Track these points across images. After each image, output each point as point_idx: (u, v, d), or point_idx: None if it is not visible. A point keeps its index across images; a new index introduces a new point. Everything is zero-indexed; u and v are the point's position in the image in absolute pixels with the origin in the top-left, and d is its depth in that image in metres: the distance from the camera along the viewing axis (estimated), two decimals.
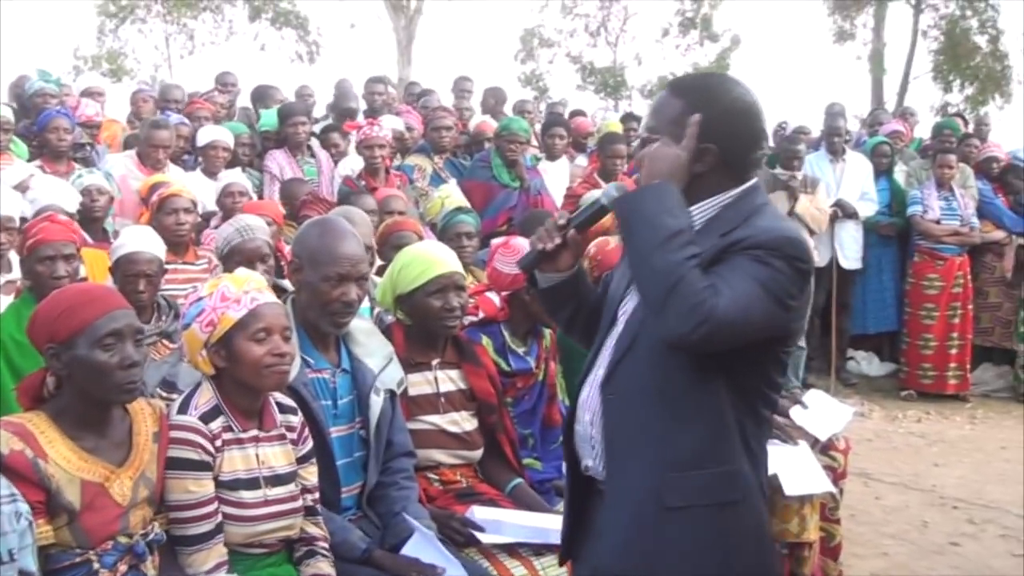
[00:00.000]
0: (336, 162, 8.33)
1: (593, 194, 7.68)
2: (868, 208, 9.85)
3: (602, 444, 2.69)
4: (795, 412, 5.33)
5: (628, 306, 2.72)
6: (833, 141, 9.99)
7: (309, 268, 3.54)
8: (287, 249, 5.78)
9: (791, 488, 4.68)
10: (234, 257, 4.81)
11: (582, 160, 9.59)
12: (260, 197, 7.58)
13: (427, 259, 4.01)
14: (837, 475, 5.20)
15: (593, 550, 2.74)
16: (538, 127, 9.93)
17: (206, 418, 3.04)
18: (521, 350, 4.53)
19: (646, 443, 2.59)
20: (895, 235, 10.01)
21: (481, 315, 4.58)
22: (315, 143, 8.52)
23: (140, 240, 4.69)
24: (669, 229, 2.44)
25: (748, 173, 2.63)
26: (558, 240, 2.79)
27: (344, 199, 6.41)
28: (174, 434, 2.99)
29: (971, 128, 11.57)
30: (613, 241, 4.82)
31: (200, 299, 3.12)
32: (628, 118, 11.37)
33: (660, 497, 2.56)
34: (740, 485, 2.58)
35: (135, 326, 2.87)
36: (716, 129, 2.56)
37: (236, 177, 6.90)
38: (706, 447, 2.55)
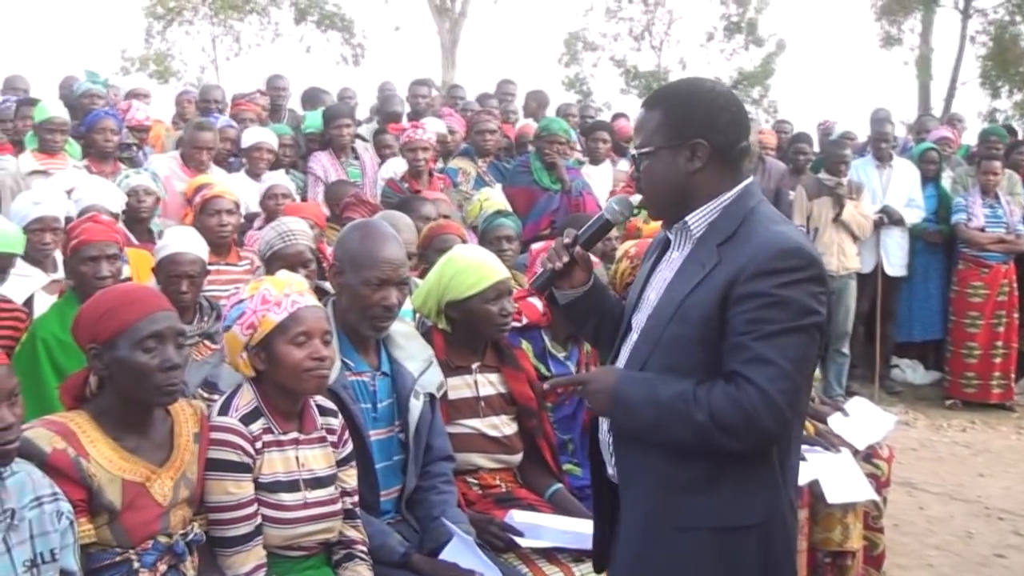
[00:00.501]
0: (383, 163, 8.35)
1: (635, 198, 7.76)
2: (914, 215, 9.73)
3: (615, 458, 2.72)
4: (834, 420, 5.29)
5: (641, 316, 2.73)
6: (880, 147, 9.88)
7: (350, 271, 3.55)
8: (329, 251, 5.81)
9: (834, 496, 4.65)
10: (275, 262, 4.83)
11: (624, 164, 9.57)
12: (303, 199, 7.62)
13: (483, 266, 4.01)
14: (881, 484, 5.15)
15: (614, 559, 2.77)
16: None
17: (246, 420, 3.05)
18: (561, 355, 4.52)
19: (658, 460, 2.59)
20: (942, 242, 9.88)
21: (524, 320, 4.57)
22: (359, 145, 8.55)
23: (183, 241, 4.72)
24: (659, 420, 2.52)
25: (741, 166, 2.69)
26: (566, 258, 2.86)
27: (398, 205, 6.38)
28: (215, 435, 3.01)
29: (1021, 136, 11.43)
30: (643, 240, 4.82)
31: (241, 301, 3.13)
32: None
33: (672, 515, 2.58)
34: (759, 508, 2.57)
35: (177, 328, 2.88)
36: (700, 123, 2.61)
37: (279, 179, 6.93)
38: (723, 467, 2.54)
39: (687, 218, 2.66)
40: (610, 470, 2.78)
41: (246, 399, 3.11)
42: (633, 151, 2.74)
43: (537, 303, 4.66)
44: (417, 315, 4.62)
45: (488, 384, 4.03)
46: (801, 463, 4.62)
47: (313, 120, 8.68)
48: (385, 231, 3.64)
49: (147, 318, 2.81)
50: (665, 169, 2.65)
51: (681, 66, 27.40)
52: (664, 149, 2.64)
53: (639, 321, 2.73)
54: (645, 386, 2.56)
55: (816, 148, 10.67)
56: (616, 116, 11.58)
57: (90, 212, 5.17)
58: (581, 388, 2.70)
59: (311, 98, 9.91)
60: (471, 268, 3.98)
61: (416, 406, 3.60)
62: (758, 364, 2.43)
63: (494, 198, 6.84)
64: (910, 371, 10.31)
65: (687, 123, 2.62)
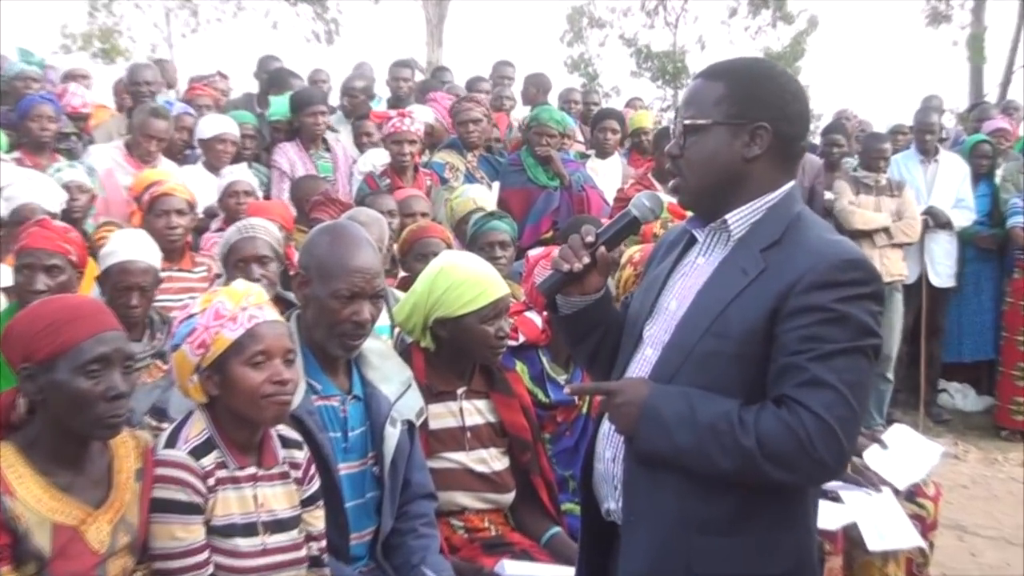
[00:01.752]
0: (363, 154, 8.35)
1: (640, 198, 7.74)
2: (964, 217, 9.72)
3: (623, 491, 2.70)
4: (872, 453, 5.27)
5: (657, 327, 2.71)
6: (924, 139, 9.87)
7: (317, 281, 3.53)
8: (296, 257, 5.80)
9: (874, 542, 4.63)
10: (231, 258, 4.82)
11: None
12: (267, 197, 7.61)
13: (482, 280, 4.00)
14: (926, 526, 5.13)
15: None
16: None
17: (197, 453, 3.02)
18: (562, 378, 4.51)
19: (675, 498, 2.58)
20: (996, 248, 9.88)
21: (521, 339, 4.55)
22: (330, 136, 8.54)
23: (134, 247, 4.70)
24: (697, 444, 2.50)
25: (796, 165, 2.72)
26: (587, 260, 2.82)
27: (361, 200, 6.41)
28: (160, 471, 2.97)
29: None
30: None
31: (191, 316, 3.10)
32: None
33: (683, 559, 2.57)
34: (787, 554, 2.58)
35: (125, 351, 2.85)
36: (769, 106, 2.63)
37: (241, 174, 6.91)
38: (747, 508, 2.55)
39: (727, 216, 2.67)
40: (612, 505, 2.76)
41: (197, 429, 3.08)
42: (683, 120, 2.72)
43: (536, 319, 4.64)
44: (396, 331, 4.61)
45: (475, 412, 4.02)
46: (836, 505, 4.66)
47: (279, 106, 8.66)
48: (357, 235, 3.62)
49: (93, 338, 2.78)
50: (718, 149, 2.65)
51: (700, 46, 27.39)
52: (721, 126, 2.65)
53: (655, 333, 2.73)
54: (682, 402, 2.54)
55: (852, 142, 10.66)
56: (629, 102, 11.60)
57: (24, 211, 5.15)
58: (606, 399, 2.67)
59: (277, 80, 9.89)
60: (468, 282, 3.97)
61: (393, 435, 3.59)
62: (814, 387, 2.43)
63: (470, 196, 6.81)
64: (960, 396, 10.30)
65: (754, 102, 2.63)
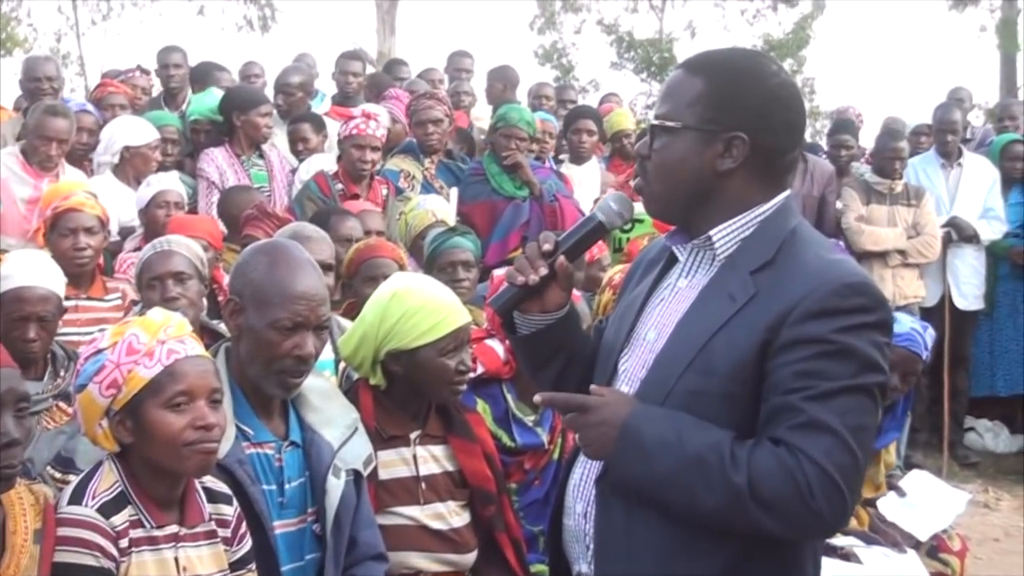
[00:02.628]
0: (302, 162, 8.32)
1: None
2: (993, 229, 9.76)
3: (596, 552, 2.73)
4: (888, 503, 5.29)
5: (633, 360, 2.73)
6: (946, 140, 9.93)
7: (253, 310, 3.51)
8: (226, 280, 5.79)
9: None
10: (144, 277, 4.81)
11: None
12: (192, 211, 7.59)
13: (440, 307, 3.99)
14: None
15: None
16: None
17: (108, 510, 3.00)
18: (530, 419, 4.52)
19: (654, 560, 2.60)
20: None
21: (480, 369, 4.56)
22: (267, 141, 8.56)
23: (32, 271, 4.67)
24: (679, 474, 2.51)
25: (783, 180, 2.73)
26: (544, 271, 2.83)
27: (317, 218, 6.34)
28: (64, 531, 2.95)
29: None
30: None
31: (100, 351, 3.08)
32: None
33: None
34: None
35: (18, 392, 2.85)
36: (748, 113, 2.64)
37: (170, 183, 6.86)
38: (749, 561, 2.56)
39: (712, 232, 2.69)
40: (583, 567, 2.78)
41: (107, 482, 3.05)
42: (654, 119, 2.75)
43: (498, 348, 4.64)
44: (341, 367, 4.60)
45: (431, 460, 4.01)
46: (853, 567, 4.66)
47: (200, 104, 8.64)
48: (299, 256, 3.62)
49: None
50: (686, 156, 2.68)
51: (690, 32, 27.56)
52: (692, 131, 2.67)
53: (631, 367, 2.75)
54: (668, 426, 2.55)
55: (858, 142, 10.70)
56: (605, 99, 11.62)
57: None
58: (573, 417, 2.66)
59: (203, 75, 9.88)
60: (425, 309, 3.96)
61: (336, 487, 3.57)
62: (812, 431, 2.45)
63: (428, 208, 6.82)
64: (990, 436, 10.33)
65: (733, 108, 2.65)
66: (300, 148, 8.56)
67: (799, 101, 2.74)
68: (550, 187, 8.07)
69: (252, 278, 3.54)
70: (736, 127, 2.63)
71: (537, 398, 2.79)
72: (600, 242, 5.17)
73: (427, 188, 8.14)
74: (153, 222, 6.63)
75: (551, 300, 2.90)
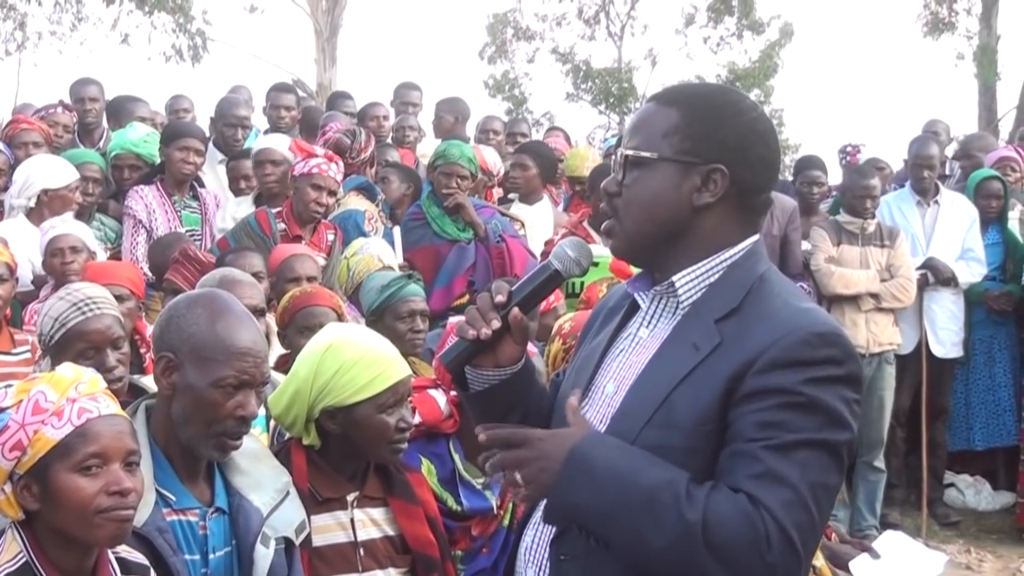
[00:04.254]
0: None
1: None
2: (972, 271, 9.81)
3: None
4: (859, 564, 5.30)
5: (590, 415, 2.76)
6: (922, 176, 9.94)
7: (192, 367, 3.46)
8: (149, 332, 5.74)
9: None
10: (73, 346, 4.70)
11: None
12: (116, 257, 7.55)
13: (379, 359, 3.97)
14: None
15: None
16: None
17: None
18: (479, 481, 4.49)
19: None
20: (1012, 310, 9.97)
21: (417, 419, 4.51)
22: (203, 178, 8.55)
23: None
24: (626, 506, 2.49)
25: (756, 221, 2.76)
26: (496, 324, 2.82)
27: (223, 258, 6.32)
28: None
29: None
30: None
31: (2, 411, 3.04)
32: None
33: None
34: None
35: None
36: (728, 146, 2.67)
37: (70, 227, 6.79)
38: None
39: (675, 278, 2.70)
40: None
41: (10, 553, 3.01)
42: (625, 151, 2.75)
43: (440, 399, 4.61)
44: (272, 424, 4.56)
45: (370, 524, 3.99)
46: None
47: (121, 139, 8.60)
48: (238, 309, 3.60)
49: None
50: (662, 190, 2.69)
51: (651, 62, 27.83)
52: (670, 163, 2.68)
53: (589, 422, 2.72)
54: (620, 456, 2.55)
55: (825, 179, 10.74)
56: (549, 131, 11.65)
57: None
58: (514, 454, 2.64)
59: (117, 110, 9.83)
60: (362, 362, 3.94)
61: (265, 556, 3.53)
62: (771, 483, 2.45)
63: (372, 252, 6.79)
64: (971, 492, 10.35)
65: (713, 140, 2.67)
66: (243, 187, 8.53)
67: (776, 140, 2.78)
68: (495, 227, 8.09)
69: (190, 333, 3.49)
70: (715, 159, 2.66)
71: (480, 434, 2.73)
72: (556, 290, 5.19)
73: (387, 231, 8.16)
74: (52, 270, 6.60)
75: (505, 354, 2.90)
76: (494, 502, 4.53)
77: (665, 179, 2.68)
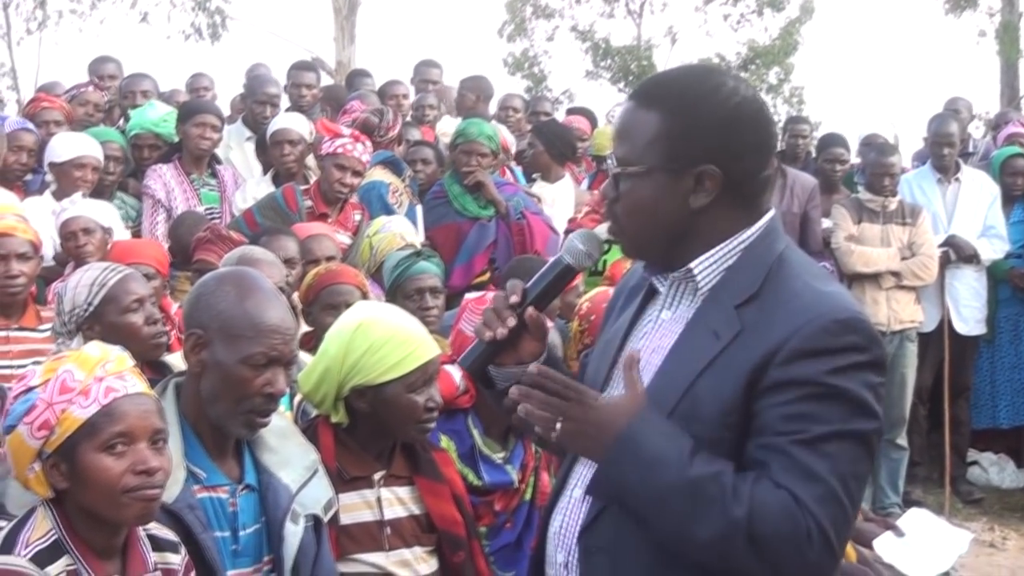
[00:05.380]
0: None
1: (603, 229, 7.73)
2: (994, 248, 9.77)
3: None
4: (884, 542, 5.30)
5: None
6: (942, 154, 9.92)
7: (221, 344, 3.47)
8: (174, 309, 5.74)
9: None
10: (118, 303, 4.63)
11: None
12: (136, 235, 7.58)
13: (409, 339, 3.97)
14: None
15: None
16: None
17: (42, 560, 2.96)
18: (498, 456, 4.50)
19: None
20: None
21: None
22: (224, 156, 8.53)
23: None
24: (672, 495, 2.50)
25: (761, 201, 2.74)
26: (512, 322, 2.83)
27: (257, 238, 6.31)
28: None
29: None
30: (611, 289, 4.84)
31: (30, 389, 3.05)
32: None
33: None
34: None
35: None
36: (713, 143, 2.64)
37: (84, 208, 6.73)
38: None
39: (692, 265, 2.69)
40: None
41: (41, 530, 3.02)
42: (613, 166, 2.74)
43: (455, 373, 4.61)
44: (296, 401, 4.57)
45: (396, 503, 3.99)
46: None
47: (141, 118, 8.59)
48: (267, 287, 3.60)
49: None
50: (657, 198, 2.68)
51: (670, 40, 27.74)
52: (659, 171, 2.66)
53: None
54: (670, 441, 2.54)
55: (855, 155, 10.74)
56: (570, 112, 11.61)
57: None
58: (561, 404, 2.63)
59: (129, 89, 9.81)
60: (392, 341, 3.94)
61: (294, 533, 3.54)
62: (804, 479, 2.46)
63: (394, 231, 6.79)
64: (995, 470, 10.34)
65: (695, 140, 2.64)
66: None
67: (765, 117, 2.75)
68: (517, 204, 8.09)
69: (219, 310, 3.50)
70: (703, 160, 2.63)
71: (532, 367, 2.73)
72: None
73: (411, 205, 8.19)
74: (68, 254, 6.61)
75: (526, 350, 2.90)
76: (515, 476, 4.53)
77: (658, 187, 2.67)
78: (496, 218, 7.99)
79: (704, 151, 2.63)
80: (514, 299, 2.82)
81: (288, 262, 5.90)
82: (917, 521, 5.63)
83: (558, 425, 2.62)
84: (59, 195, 7.43)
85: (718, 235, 2.68)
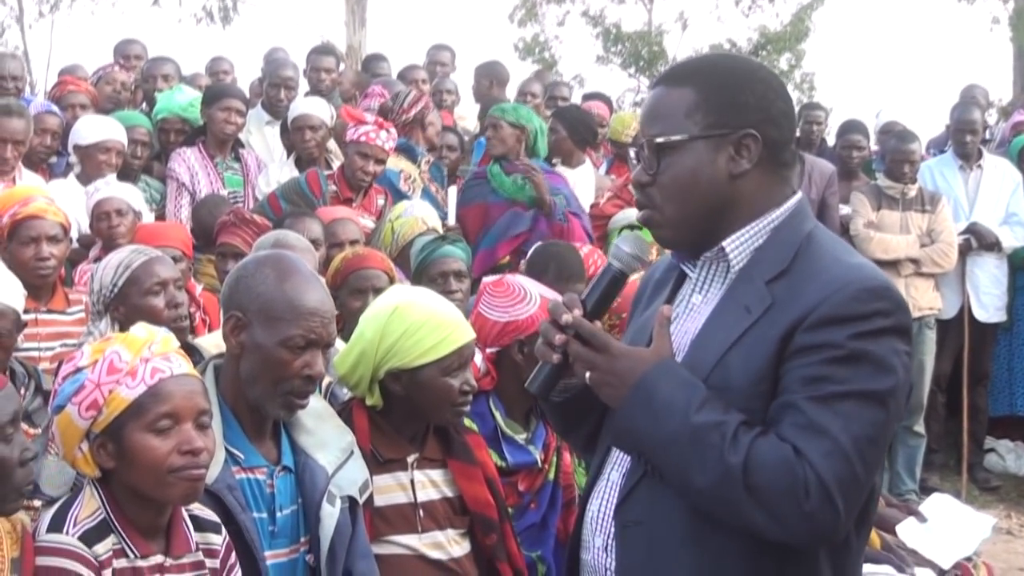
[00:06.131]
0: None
1: (626, 215, 7.72)
2: (1016, 235, 9.76)
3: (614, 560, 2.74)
4: (907, 527, 5.30)
5: None
6: (964, 141, 9.91)
7: (260, 326, 3.48)
8: (199, 291, 5.76)
9: None
10: (141, 284, 4.66)
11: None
12: (161, 217, 7.58)
13: (445, 322, 3.99)
14: None
15: None
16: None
17: (89, 538, 2.99)
18: (521, 437, 4.49)
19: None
20: None
21: None
22: (244, 140, 8.56)
23: None
24: (677, 440, 2.54)
25: (792, 175, 2.78)
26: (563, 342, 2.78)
27: (281, 221, 6.34)
28: (43, 560, 2.94)
29: None
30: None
31: (79, 370, 3.07)
32: None
33: None
34: None
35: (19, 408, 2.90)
36: (752, 109, 2.69)
37: (114, 189, 6.77)
38: None
39: (724, 243, 2.71)
40: None
41: (89, 509, 3.04)
42: (653, 139, 2.75)
43: (476, 356, 4.62)
44: (324, 384, 4.57)
45: (430, 485, 4.01)
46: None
47: (168, 102, 8.61)
48: (306, 269, 3.62)
49: None
50: (698, 168, 2.70)
51: (681, 25, 27.56)
52: (700, 140, 2.69)
53: None
54: (683, 390, 2.57)
55: (873, 143, 10.73)
56: (588, 97, 11.59)
57: None
58: (590, 354, 2.68)
59: (149, 72, 9.82)
60: (429, 325, 3.95)
61: (331, 514, 3.56)
62: (811, 433, 2.47)
63: (415, 215, 6.79)
64: (1012, 457, 10.31)
65: (736, 106, 2.68)
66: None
67: (785, 88, 2.80)
68: (561, 203, 7.98)
69: (259, 292, 3.52)
70: (744, 124, 2.67)
71: (568, 316, 2.75)
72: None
73: (425, 191, 8.17)
74: (98, 234, 6.62)
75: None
76: (538, 456, 4.52)
77: (700, 157, 2.69)
78: (537, 212, 7.92)
79: (744, 116, 2.67)
80: (566, 318, 2.76)
81: (313, 242, 5.89)
82: (940, 507, 5.64)
83: (588, 373, 2.69)
84: (83, 178, 7.45)
85: (754, 207, 2.71)
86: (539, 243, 6.97)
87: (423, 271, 5.97)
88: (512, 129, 8.10)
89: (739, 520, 2.51)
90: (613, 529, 2.76)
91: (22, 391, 4.61)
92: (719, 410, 2.53)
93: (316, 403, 3.76)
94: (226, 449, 3.45)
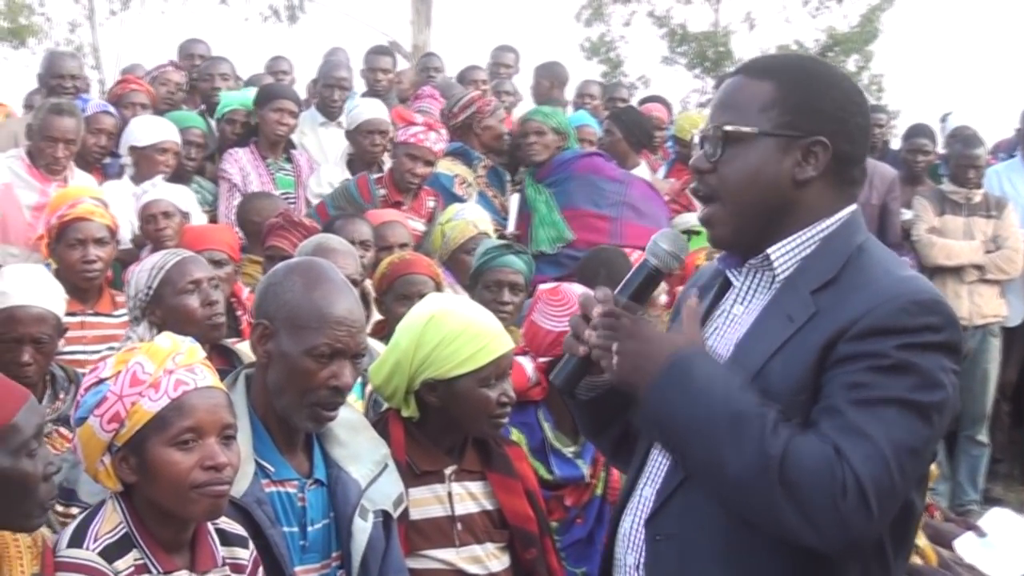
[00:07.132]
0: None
1: (683, 219, 7.69)
2: None
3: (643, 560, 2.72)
4: (965, 543, 5.23)
5: None
6: None
7: (287, 335, 3.43)
8: (246, 295, 5.73)
9: None
10: (175, 284, 4.67)
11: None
12: (214, 220, 7.59)
13: (483, 332, 3.94)
14: None
15: None
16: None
17: (111, 553, 2.95)
18: (570, 450, 4.47)
19: None
20: None
21: None
22: (298, 142, 8.56)
23: (27, 288, 4.64)
24: (713, 424, 2.49)
25: (854, 192, 2.73)
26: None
27: (331, 223, 6.29)
28: None
29: None
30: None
31: (101, 381, 3.03)
32: None
33: None
34: None
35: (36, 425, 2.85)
36: (828, 117, 2.64)
37: (163, 191, 6.75)
38: None
39: (770, 251, 2.67)
40: None
41: (111, 523, 3.01)
42: (723, 126, 2.69)
43: (527, 365, 4.57)
44: (367, 391, 4.54)
45: (468, 498, 3.96)
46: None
47: (230, 100, 8.62)
48: (336, 277, 3.56)
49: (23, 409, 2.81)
50: (762, 166, 2.65)
51: (748, 25, 27.60)
52: (769, 137, 2.64)
53: None
54: (720, 375, 2.54)
55: (939, 147, 10.62)
56: (646, 100, 11.53)
57: None
58: (619, 326, 2.65)
59: (206, 72, 9.85)
60: (466, 334, 3.91)
61: (363, 529, 3.52)
62: (851, 435, 2.42)
63: (467, 218, 6.75)
64: None
65: (812, 111, 2.63)
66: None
67: (868, 106, 2.75)
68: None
69: (286, 300, 3.47)
70: (817, 131, 2.62)
71: (598, 292, 2.76)
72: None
73: (482, 196, 8.15)
74: (147, 236, 6.62)
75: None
76: (586, 471, 4.50)
77: (765, 154, 2.64)
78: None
79: (819, 124, 2.62)
80: (597, 311, 2.74)
81: (362, 244, 5.93)
82: (999, 521, 5.56)
83: (615, 346, 2.64)
84: (138, 179, 7.46)
85: (807, 217, 2.66)
86: (594, 249, 6.93)
87: (480, 276, 5.93)
88: (555, 136, 8.10)
89: (767, 515, 2.46)
90: (644, 545, 2.73)
91: (62, 395, 4.63)
92: (759, 400, 2.50)
93: (349, 414, 3.73)
94: (256, 462, 3.41)
